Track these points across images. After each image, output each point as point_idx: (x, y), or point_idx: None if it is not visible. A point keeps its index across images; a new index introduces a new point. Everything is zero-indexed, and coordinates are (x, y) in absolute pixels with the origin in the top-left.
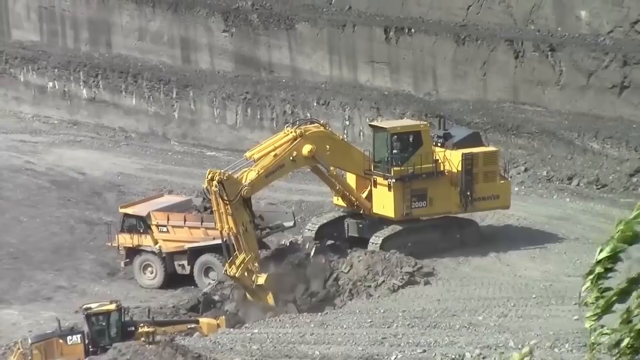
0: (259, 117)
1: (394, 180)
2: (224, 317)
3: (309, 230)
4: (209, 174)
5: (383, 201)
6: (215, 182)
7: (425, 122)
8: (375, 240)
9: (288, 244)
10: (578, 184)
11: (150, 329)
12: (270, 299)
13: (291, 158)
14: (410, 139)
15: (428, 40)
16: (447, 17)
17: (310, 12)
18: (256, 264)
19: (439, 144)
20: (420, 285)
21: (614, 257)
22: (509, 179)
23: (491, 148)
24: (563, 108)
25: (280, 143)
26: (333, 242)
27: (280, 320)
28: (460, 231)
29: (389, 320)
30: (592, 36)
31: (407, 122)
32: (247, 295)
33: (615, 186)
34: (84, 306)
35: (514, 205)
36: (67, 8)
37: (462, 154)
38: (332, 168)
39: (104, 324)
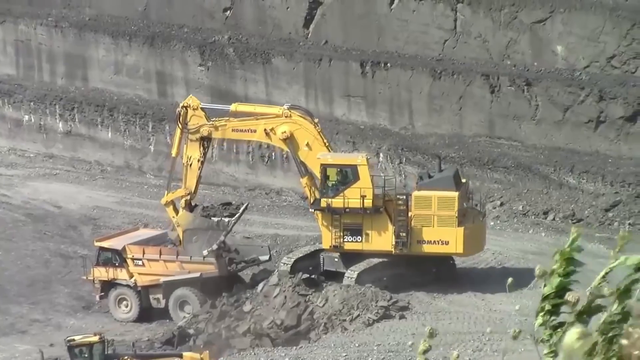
0: (234, 150)
1: (313, 210)
2: (208, 351)
3: (284, 264)
4: (187, 99)
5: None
6: (181, 105)
7: (365, 157)
8: (351, 274)
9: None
10: (554, 219)
11: None
12: (180, 235)
13: (266, 131)
14: (343, 173)
15: (404, 75)
16: (423, 51)
17: (286, 46)
18: (184, 200)
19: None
20: (395, 319)
21: (559, 293)
22: (484, 215)
23: (447, 193)
24: (539, 142)
25: (266, 112)
26: (308, 275)
27: (255, 354)
28: (436, 266)
29: (364, 354)
30: (568, 71)
31: (344, 155)
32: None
33: (591, 221)
34: (68, 338)
35: (489, 239)
36: (43, 42)
37: (396, 195)
38: (305, 179)
39: (86, 355)
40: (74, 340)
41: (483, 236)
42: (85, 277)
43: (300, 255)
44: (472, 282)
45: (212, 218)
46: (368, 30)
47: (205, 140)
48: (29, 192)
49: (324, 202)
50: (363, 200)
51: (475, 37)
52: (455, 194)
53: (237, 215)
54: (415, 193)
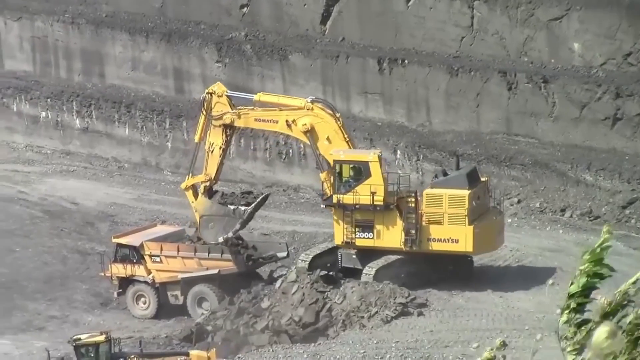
0: (252, 147)
1: (324, 206)
2: (214, 349)
3: (302, 260)
4: (213, 86)
5: None
6: (206, 91)
7: (376, 154)
8: (369, 271)
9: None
10: (571, 216)
11: None
12: (197, 220)
13: (287, 122)
14: (355, 169)
15: (421, 72)
16: (441, 48)
17: (304, 43)
18: (203, 186)
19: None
20: (414, 316)
21: (585, 292)
22: (501, 212)
23: (458, 191)
24: (556, 140)
25: (289, 104)
26: (326, 272)
27: (273, 350)
28: (453, 263)
29: (382, 351)
30: (585, 68)
31: (356, 152)
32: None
33: (608, 218)
34: (74, 337)
35: (507, 237)
36: (60, 38)
37: (406, 192)
38: (325, 174)
39: (92, 355)
40: (79, 339)
41: (496, 234)
42: (103, 274)
43: (318, 252)
44: (490, 279)
45: (229, 206)
46: (385, 27)
47: (228, 128)
48: (46, 189)
49: (335, 198)
50: (373, 197)
51: (492, 34)
52: (466, 192)
53: (253, 205)
54: (427, 191)
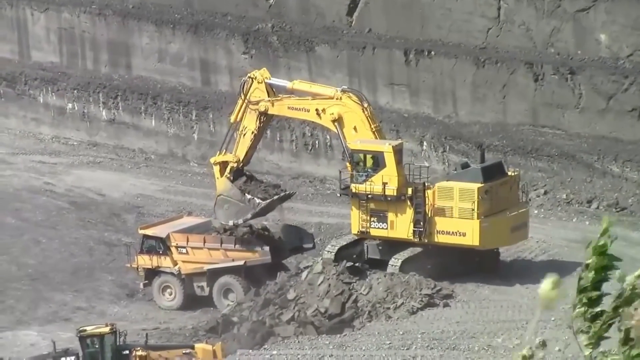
0: (278, 139)
1: (339, 195)
2: (220, 343)
3: (328, 252)
4: (256, 71)
5: None
6: (248, 75)
7: (392, 145)
8: (395, 262)
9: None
10: (597, 207)
11: (144, 353)
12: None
13: (317, 111)
14: (370, 159)
15: (448, 63)
16: (467, 39)
17: (330, 34)
18: (229, 167)
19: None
20: (440, 307)
21: (596, 285)
22: (528, 202)
23: (468, 185)
24: (582, 131)
25: (321, 93)
26: (352, 263)
27: (299, 341)
28: (479, 254)
29: (408, 342)
30: (611, 59)
31: (373, 142)
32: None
33: (635, 209)
34: (80, 328)
35: (533, 228)
36: (86, 29)
37: (413, 184)
38: (349, 165)
39: (97, 346)
40: (85, 330)
41: (511, 230)
42: (129, 265)
43: (344, 243)
44: (516, 270)
45: (247, 194)
46: (411, 19)
47: (263, 115)
48: (72, 180)
49: (352, 188)
50: (384, 188)
51: (519, 26)
52: (476, 186)
53: (268, 201)
54: (439, 184)
